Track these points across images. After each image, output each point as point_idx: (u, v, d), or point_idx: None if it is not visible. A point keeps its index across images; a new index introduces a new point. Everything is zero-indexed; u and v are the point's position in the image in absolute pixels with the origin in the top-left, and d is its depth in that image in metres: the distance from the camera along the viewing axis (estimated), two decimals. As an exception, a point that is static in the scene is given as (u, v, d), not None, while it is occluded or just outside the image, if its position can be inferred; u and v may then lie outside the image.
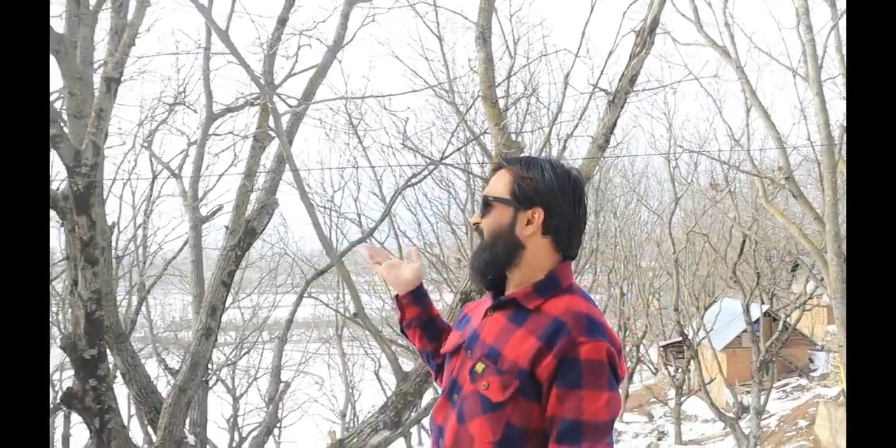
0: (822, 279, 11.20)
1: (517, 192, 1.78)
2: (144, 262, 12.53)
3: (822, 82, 9.08)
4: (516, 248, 1.78)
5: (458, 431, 1.73)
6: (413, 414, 4.74)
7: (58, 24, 5.02)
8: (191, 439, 5.22)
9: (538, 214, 1.77)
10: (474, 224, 1.82)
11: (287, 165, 4.77)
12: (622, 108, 3.98)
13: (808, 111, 11.13)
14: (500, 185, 1.80)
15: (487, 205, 1.80)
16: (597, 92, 4.89)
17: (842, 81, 9.76)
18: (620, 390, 1.74)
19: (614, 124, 4.04)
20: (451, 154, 7.23)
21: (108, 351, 5.29)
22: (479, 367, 1.71)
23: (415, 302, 2.04)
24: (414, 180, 6.30)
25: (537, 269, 1.76)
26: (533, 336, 1.66)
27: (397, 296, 2.06)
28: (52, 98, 4.84)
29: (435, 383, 2.11)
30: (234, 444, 17.41)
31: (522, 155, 1.94)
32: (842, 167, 9.45)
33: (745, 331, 22.51)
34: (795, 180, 9.82)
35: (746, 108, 11.38)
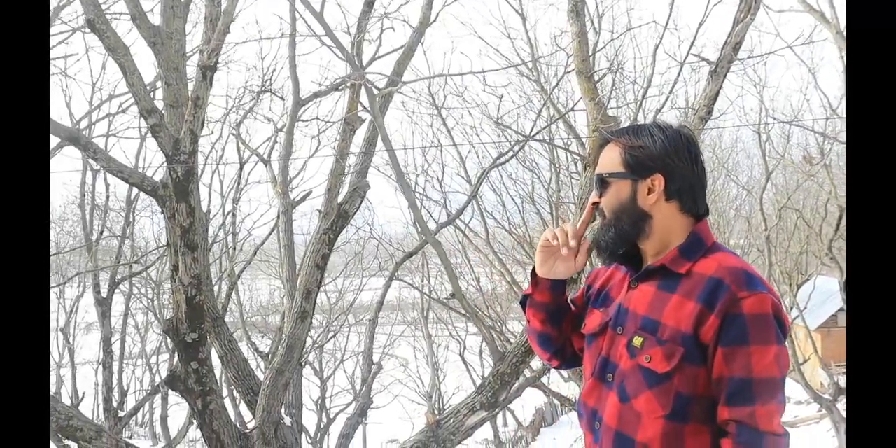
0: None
1: (631, 162, 1.74)
2: (234, 249, 12.81)
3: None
4: (643, 218, 1.73)
5: (622, 410, 1.67)
6: (509, 394, 4.70)
7: (153, 17, 5.12)
8: (287, 421, 5.31)
9: (658, 181, 1.73)
10: (593, 204, 1.77)
11: (378, 147, 4.77)
12: (725, 77, 3.82)
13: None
14: (611, 159, 1.76)
15: (604, 183, 1.76)
16: (690, 62, 4.71)
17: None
18: None
19: (716, 95, 3.89)
20: (539, 132, 7.12)
21: (207, 335, 5.43)
22: (637, 340, 1.66)
23: (552, 288, 1.93)
24: (501, 160, 6.24)
25: (672, 235, 1.72)
26: (691, 299, 1.61)
27: (534, 274, 1.93)
28: (147, 88, 4.95)
29: (547, 364, 2.08)
30: (322, 426, 17.79)
31: (626, 125, 1.94)
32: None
33: (841, 309, 21.73)
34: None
35: (845, 76, 10.84)
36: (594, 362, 1.78)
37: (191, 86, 4.65)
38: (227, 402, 15.68)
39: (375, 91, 4.17)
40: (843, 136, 12.71)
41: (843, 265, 17.87)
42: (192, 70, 5.55)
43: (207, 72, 4.20)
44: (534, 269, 1.92)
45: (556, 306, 1.93)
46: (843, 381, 21.57)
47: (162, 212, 4.67)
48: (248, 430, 4.83)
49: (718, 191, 20.23)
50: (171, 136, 4.27)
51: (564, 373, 11.50)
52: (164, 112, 5.30)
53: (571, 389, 17.84)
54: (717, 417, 1.59)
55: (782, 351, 1.56)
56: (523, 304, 1.99)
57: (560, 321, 1.95)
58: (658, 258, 1.72)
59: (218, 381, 5.24)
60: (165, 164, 4.29)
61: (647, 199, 1.72)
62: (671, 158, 1.74)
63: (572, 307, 1.99)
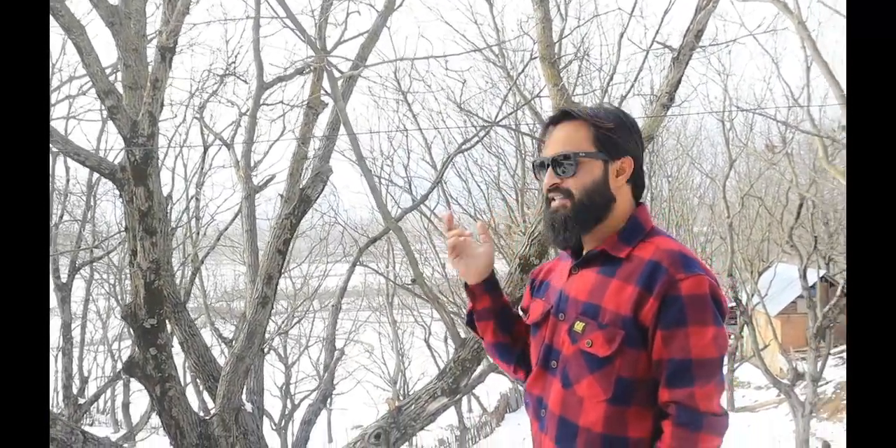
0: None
1: (604, 142, 1.71)
2: (197, 234, 12.68)
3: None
4: (612, 200, 1.72)
5: (565, 396, 1.68)
6: (470, 380, 4.70)
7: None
8: (248, 407, 5.27)
9: (628, 164, 1.74)
10: (553, 186, 1.73)
11: (340, 132, 4.72)
12: (687, 64, 3.83)
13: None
14: (579, 138, 1.72)
15: (573, 162, 1.71)
16: (654, 49, 4.71)
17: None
18: None
19: (678, 82, 3.90)
20: (504, 118, 7.10)
21: (166, 320, 5.36)
22: (579, 326, 1.67)
23: (488, 291, 1.91)
24: (467, 145, 6.21)
25: (619, 219, 1.73)
26: (630, 283, 1.62)
27: (467, 285, 1.92)
28: (107, 71, 4.84)
29: (516, 378, 2.00)
30: (286, 412, 17.74)
31: (586, 106, 1.86)
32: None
33: (801, 296, 22.09)
34: (859, 140, 9.44)
35: (806, 66, 11.00)
36: (539, 351, 1.79)
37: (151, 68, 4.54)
38: (192, 389, 15.59)
39: (337, 74, 4.11)
40: (805, 125, 12.88)
41: (803, 253, 18.19)
42: (152, 52, 5.44)
43: (167, 53, 4.11)
44: (465, 284, 1.92)
45: (500, 307, 1.93)
46: (801, 367, 21.99)
47: (120, 196, 4.58)
48: (207, 417, 4.79)
49: (682, 178, 20.44)
50: (130, 118, 4.19)
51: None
52: (122, 94, 5.20)
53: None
54: (658, 400, 1.59)
55: (720, 332, 1.57)
56: (471, 323, 1.97)
57: (510, 326, 1.94)
58: (599, 243, 1.73)
59: (180, 367, 5.18)
60: (123, 147, 4.21)
61: (615, 181, 1.72)
62: (635, 142, 1.76)
63: (522, 315, 1.98)
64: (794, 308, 26.48)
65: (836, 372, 23.67)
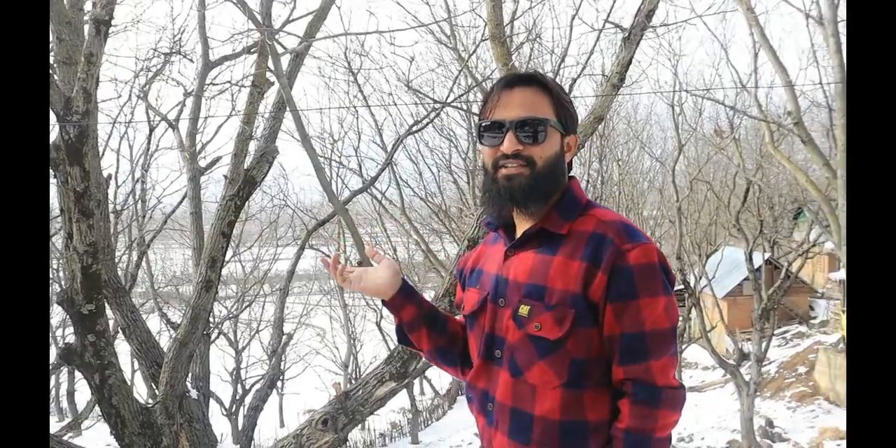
0: (828, 226, 11.08)
1: (565, 115, 1.61)
2: (144, 217, 12.39)
3: (838, 23, 8.80)
4: (563, 177, 1.63)
5: (515, 386, 1.58)
6: (419, 365, 4.65)
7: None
8: (193, 394, 5.14)
9: (574, 142, 1.67)
10: (515, 152, 1.57)
11: (286, 112, 4.60)
12: (637, 44, 3.79)
13: (819, 54, 10.88)
14: (542, 105, 1.60)
15: (543, 128, 1.58)
16: (606, 30, 4.68)
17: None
18: None
19: (629, 62, 3.85)
20: (455, 99, 7.03)
21: (106, 306, 5.19)
22: (524, 309, 1.56)
23: (407, 299, 1.78)
24: (416, 127, 6.12)
25: (557, 196, 1.62)
26: (575, 259, 1.53)
27: (385, 302, 1.78)
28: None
29: (465, 380, 1.83)
30: (237, 397, 17.55)
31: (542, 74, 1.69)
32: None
33: (746, 279, 22.53)
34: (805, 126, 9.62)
35: (754, 52, 11.11)
36: (479, 342, 1.68)
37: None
38: (140, 376, 15.30)
39: (281, 50, 3.98)
40: (752, 111, 13.04)
41: (749, 236, 18.52)
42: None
43: (101, 27, 3.93)
44: (383, 301, 1.80)
45: (426, 311, 1.79)
46: (746, 347, 22.46)
47: (55, 176, 4.40)
48: (150, 405, 4.66)
49: (633, 163, 20.62)
50: (63, 94, 4.00)
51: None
52: (56, 69, 4.98)
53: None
54: (612, 378, 1.53)
55: (671, 301, 1.51)
56: (404, 339, 1.84)
57: (444, 326, 1.81)
58: (534, 222, 1.61)
59: (128, 354, 5.04)
60: (57, 124, 4.03)
61: (566, 156, 1.64)
62: (578, 120, 1.69)
63: (459, 312, 1.86)
64: (739, 290, 27.00)
65: (779, 352, 24.24)
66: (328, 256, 1.83)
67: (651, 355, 1.48)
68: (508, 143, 1.57)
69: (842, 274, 21.36)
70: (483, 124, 1.62)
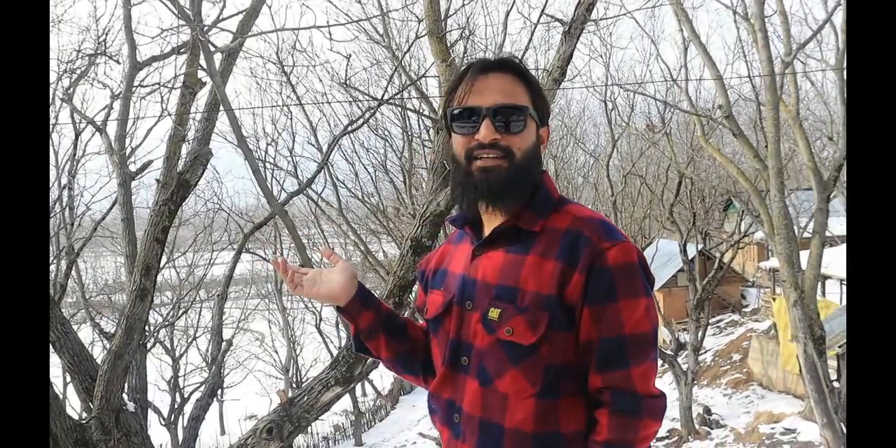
0: (758, 216, 11.34)
1: (540, 106, 1.50)
2: (72, 224, 11.98)
3: (766, 18, 9.01)
4: (539, 169, 1.51)
5: (484, 396, 1.46)
6: (364, 368, 4.56)
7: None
8: (130, 406, 4.96)
9: (547, 134, 1.56)
10: (493, 141, 1.44)
11: (219, 113, 4.46)
12: (578, 38, 3.78)
13: (746, 49, 11.13)
14: (522, 95, 1.48)
15: (525, 117, 1.46)
16: (541, 25, 4.67)
17: (779, 20, 9.75)
18: None
19: (570, 56, 3.84)
20: (391, 98, 6.95)
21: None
22: (494, 313, 1.44)
23: (364, 305, 1.65)
24: (352, 127, 6.03)
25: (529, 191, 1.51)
26: (549, 258, 1.42)
27: (340, 308, 1.66)
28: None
29: (428, 388, 1.69)
30: (175, 406, 17.13)
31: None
32: (782, 106, 9.48)
33: (681, 270, 23.00)
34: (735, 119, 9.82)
35: (684, 47, 11.32)
36: (444, 348, 1.54)
37: None
38: (72, 389, 14.81)
39: (212, 49, 3.86)
40: (683, 105, 13.28)
41: (683, 228, 18.89)
42: None
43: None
44: (337, 308, 1.67)
45: (385, 317, 1.68)
46: (682, 337, 22.91)
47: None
48: (83, 421, 4.47)
49: (567, 158, 20.82)
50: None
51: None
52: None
53: (430, 357, 18.00)
54: (588, 386, 1.42)
55: (651, 303, 1.41)
56: (361, 348, 1.72)
57: (404, 332, 1.70)
58: (503, 219, 1.50)
59: (54, 366, 4.80)
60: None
61: (540, 149, 1.53)
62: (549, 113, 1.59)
63: (421, 316, 1.72)
64: (674, 282, 27.54)
65: (714, 340, 24.82)
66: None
67: (631, 361, 1.38)
68: (486, 131, 1.44)
69: (772, 262, 21.96)
70: (454, 111, 1.49)
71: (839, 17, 10.40)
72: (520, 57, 6.41)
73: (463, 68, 1.54)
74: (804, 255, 9.92)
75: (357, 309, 1.65)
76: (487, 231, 1.54)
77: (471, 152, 1.47)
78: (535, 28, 4.82)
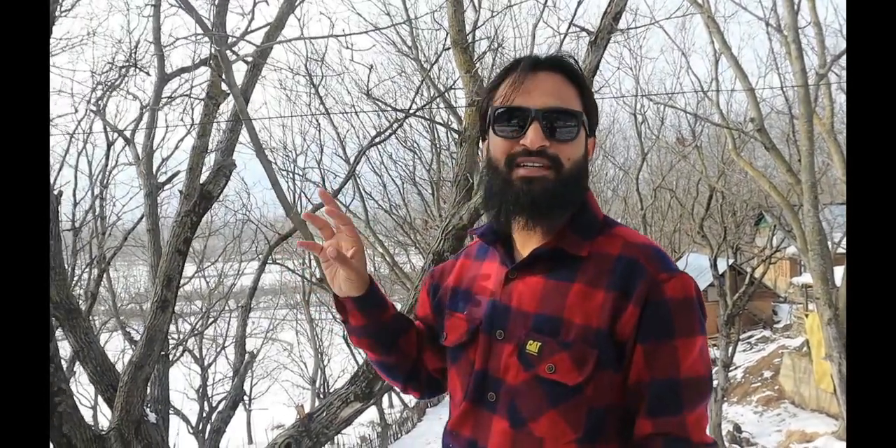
0: (790, 230, 11.16)
1: (591, 112, 1.34)
2: (103, 234, 12.12)
3: (799, 29, 8.87)
4: (587, 184, 1.36)
5: (516, 438, 1.28)
6: (385, 384, 4.50)
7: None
8: (152, 417, 4.94)
9: (593, 145, 1.39)
10: (541, 148, 1.27)
11: (243, 123, 4.46)
12: (605, 49, 3.71)
13: (779, 61, 10.98)
14: (573, 99, 1.31)
15: (578, 124, 1.30)
16: (570, 35, 4.61)
17: (812, 31, 9.60)
18: None
19: (597, 67, 3.77)
20: (419, 109, 6.93)
21: (56, 328, 4.98)
22: (533, 346, 1.27)
23: (357, 309, 1.45)
24: (379, 139, 6.01)
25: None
26: (599, 287, 1.26)
27: (335, 296, 1.47)
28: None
29: (409, 395, 1.59)
30: (203, 415, 17.20)
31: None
32: (816, 119, 9.32)
33: (711, 285, 22.67)
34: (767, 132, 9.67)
35: (715, 59, 11.19)
36: (466, 381, 1.38)
37: None
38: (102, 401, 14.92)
39: (233, 58, 3.85)
40: (714, 118, 13.12)
41: (713, 243, 18.65)
42: None
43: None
44: (333, 295, 1.48)
45: (378, 328, 1.48)
46: (713, 353, 22.62)
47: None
48: (103, 432, 4.45)
49: (596, 171, 20.70)
50: None
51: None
52: None
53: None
54: (634, 432, 1.26)
55: (705, 342, 1.27)
56: (346, 330, 1.53)
57: (391, 344, 1.52)
58: (541, 239, 1.34)
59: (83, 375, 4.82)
60: None
61: (588, 161, 1.37)
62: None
63: (415, 324, 1.58)
64: (704, 297, 27.16)
65: (744, 356, 24.46)
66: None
67: (685, 407, 1.23)
68: (534, 136, 1.26)
69: (804, 278, 21.59)
70: (498, 111, 1.31)
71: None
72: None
73: (510, 63, 1.37)
74: (838, 272, 9.72)
75: (350, 307, 1.46)
76: (522, 251, 1.38)
77: (513, 158, 1.30)
78: (563, 39, 4.74)
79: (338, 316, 1.52)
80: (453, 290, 1.50)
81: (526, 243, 1.36)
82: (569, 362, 1.25)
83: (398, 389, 1.65)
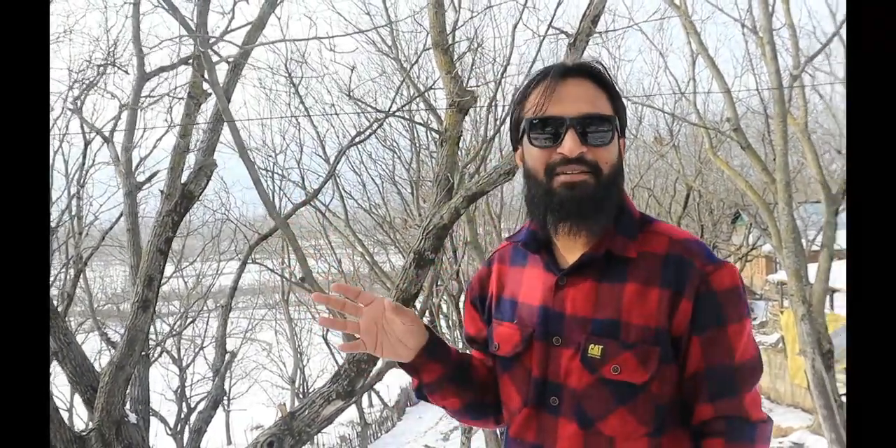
0: (766, 229, 11.30)
1: (622, 116, 1.38)
2: (80, 234, 12.02)
3: (774, 31, 8.99)
4: (623, 186, 1.39)
5: (587, 439, 1.32)
6: (366, 382, 4.54)
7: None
8: (132, 418, 4.94)
9: (624, 145, 1.41)
10: (579, 155, 1.30)
11: (225, 124, 4.47)
12: (583, 51, 3.76)
13: (755, 62, 11.10)
14: (605, 104, 1.35)
15: (612, 129, 1.33)
16: (549, 37, 4.66)
17: (787, 33, 9.74)
18: None
19: (575, 70, 3.81)
20: (398, 110, 6.96)
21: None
22: (595, 349, 1.31)
23: (432, 359, 1.45)
24: (359, 138, 6.03)
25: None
26: (653, 286, 1.30)
27: (402, 364, 1.47)
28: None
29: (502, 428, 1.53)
30: (182, 416, 17.11)
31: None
32: (790, 119, 9.45)
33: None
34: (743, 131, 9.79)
35: (692, 60, 11.30)
36: (524, 388, 1.40)
37: None
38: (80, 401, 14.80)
39: (215, 59, 3.86)
40: (691, 117, 13.25)
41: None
42: None
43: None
44: (400, 364, 1.49)
45: (455, 369, 1.48)
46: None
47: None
48: (83, 433, 4.45)
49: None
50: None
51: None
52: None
53: (436, 369, 17.91)
54: (694, 418, 1.33)
55: (751, 324, 1.34)
56: (424, 396, 1.53)
57: (473, 380, 1.52)
58: (589, 244, 1.36)
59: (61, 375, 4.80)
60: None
61: (623, 163, 1.40)
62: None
63: (473, 346, 1.59)
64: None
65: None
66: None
67: (742, 388, 1.31)
68: (572, 144, 1.29)
69: (780, 275, 21.84)
70: (533, 121, 1.34)
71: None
72: (528, 69, 6.42)
73: (538, 73, 1.39)
74: (812, 269, 9.86)
75: (422, 363, 1.46)
76: (567, 256, 1.40)
77: (553, 167, 1.32)
78: (542, 40, 4.80)
79: (410, 383, 1.50)
80: (498, 298, 1.50)
81: (570, 249, 1.39)
82: (633, 362, 1.29)
83: (488, 428, 1.68)
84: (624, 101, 1.42)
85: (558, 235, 1.38)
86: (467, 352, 1.60)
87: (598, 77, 1.36)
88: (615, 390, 1.31)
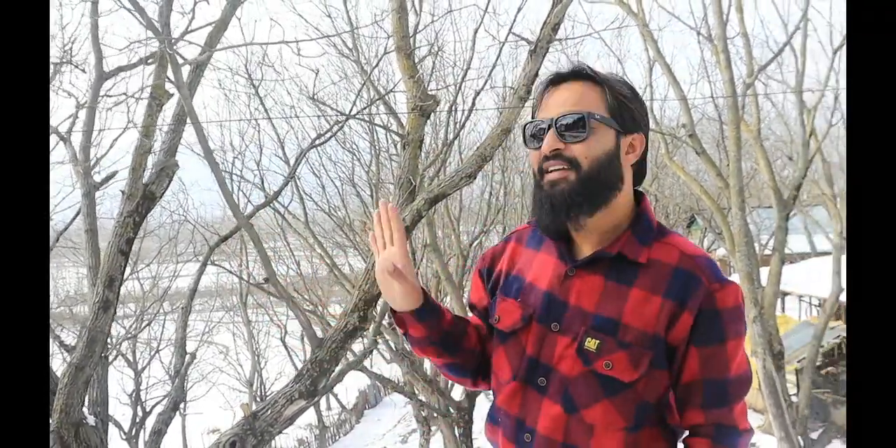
0: (720, 233, 11.54)
1: (619, 110, 1.42)
2: (32, 234, 11.79)
3: (728, 40, 9.22)
4: (619, 180, 1.43)
5: (569, 422, 1.42)
6: (328, 382, 4.57)
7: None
8: (91, 420, 4.91)
9: (639, 141, 1.47)
10: (555, 151, 1.39)
11: (186, 125, 4.47)
12: (543, 57, 3.85)
13: (710, 69, 11.35)
14: (591, 99, 1.41)
15: (586, 125, 1.38)
16: (510, 42, 4.75)
17: (741, 42, 9.99)
18: None
19: (536, 74, 3.91)
20: (359, 112, 6.99)
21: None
22: (592, 343, 1.40)
23: (417, 320, 1.53)
24: (320, 140, 6.05)
25: (620, 211, 1.45)
26: (657, 295, 1.38)
27: (394, 312, 1.56)
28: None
29: (479, 389, 1.68)
30: (137, 420, 16.87)
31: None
32: (744, 126, 9.69)
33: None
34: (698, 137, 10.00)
35: (649, 67, 11.50)
36: (516, 363, 1.50)
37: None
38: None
39: (180, 60, 3.87)
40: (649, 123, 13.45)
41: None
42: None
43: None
44: (391, 311, 1.57)
45: (440, 335, 1.57)
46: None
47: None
48: (42, 433, 4.40)
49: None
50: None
51: (387, 354, 11.45)
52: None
53: (394, 371, 17.95)
54: (684, 421, 1.43)
55: (744, 341, 1.44)
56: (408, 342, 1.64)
57: (457, 345, 1.60)
58: (604, 242, 1.44)
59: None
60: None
61: (626, 159, 1.44)
62: (647, 121, 1.51)
63: (471, 320, 1.67)
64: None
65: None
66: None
67: (734, 400, 1.41)
68: (549, 142, 1.39)
69: (733, 278, 22.17)
70: (524, 127, 1.47)
71: (798, 41, 10.69)
72: (487, 74, 6.50)
73: (540, 84, 1.51)
74: (764, 272, 10.12)
75: (410, 321, 1.55)
76: (583, 249, 1.48)
77: (541, 166, 1.43)
78: (502, 46, 4.88)
79: (398, 329, 1.60)
80: (507, 274, 1.59)
81: (584, 241, 1.47)
82: (626, 361, 1.38)
83: (469, 387, 1.77)
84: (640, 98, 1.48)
85: (573, 231, 1.47)
86: (464, 317, 1.67)
87: (590, 77, 1.44)
88: (604, 384, 1.40)
